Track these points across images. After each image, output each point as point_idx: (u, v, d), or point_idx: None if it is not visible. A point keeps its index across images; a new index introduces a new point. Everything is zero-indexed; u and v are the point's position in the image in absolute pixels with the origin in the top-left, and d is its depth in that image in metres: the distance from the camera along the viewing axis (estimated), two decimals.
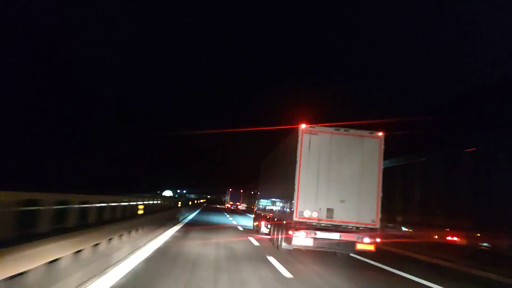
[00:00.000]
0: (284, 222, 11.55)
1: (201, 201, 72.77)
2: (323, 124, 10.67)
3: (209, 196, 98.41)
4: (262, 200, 18.22)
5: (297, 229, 10.32)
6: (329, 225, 10.27)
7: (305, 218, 10.24)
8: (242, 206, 58.38)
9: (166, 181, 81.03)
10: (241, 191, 59.39)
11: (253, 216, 21.74)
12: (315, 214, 10.25)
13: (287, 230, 10.82)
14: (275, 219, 13.53)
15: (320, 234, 10.31)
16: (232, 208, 56.26)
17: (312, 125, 10.56)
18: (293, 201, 10.31)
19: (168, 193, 72.87)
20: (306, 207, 10.27)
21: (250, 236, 15.85)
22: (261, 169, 19.89)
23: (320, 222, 10.26)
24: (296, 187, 10.32)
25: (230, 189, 60.70)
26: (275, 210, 13.71)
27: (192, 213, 34.21)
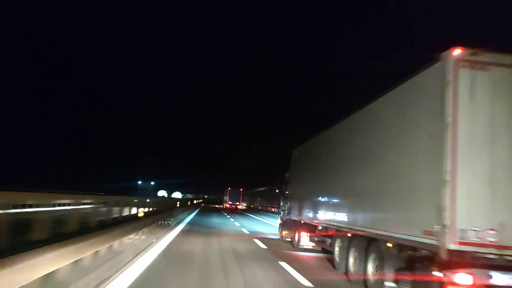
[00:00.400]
0: (395, 243, 6.13)
1: (197, 201, 67.62)
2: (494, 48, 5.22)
3: (206, 196, 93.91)
4: (301, 200, 12.64)
5: (452, 267, 4.87)
6: None
7: (472, 243, 4.79)
8: (241, 206, 57.04)
9: (165, 181, 77.41)
10: (241, 190, 58.30)
11: (278, 221, 16.26)
12: (490, 235, 4.82)
13: (421, 267, 5.35)
14: (348, 233, 8.10)
15: (500, 278, 4.88)
16: (231, 207, 54.44)
17: (475, 50, 5.13)
18: (441, 207, 4.86)
19: (162, 192, 68.97)
20: (472, 221, 4.83)
21: (284, 262, 9.48)
22: (294, 159, 14.34)
23: (504, 252, 4.84)
24: (447, 176, 4.87)
25: (229, 188, 58.91)
26: (354, 219, 7.94)
27: (190, 214, 29.97)
